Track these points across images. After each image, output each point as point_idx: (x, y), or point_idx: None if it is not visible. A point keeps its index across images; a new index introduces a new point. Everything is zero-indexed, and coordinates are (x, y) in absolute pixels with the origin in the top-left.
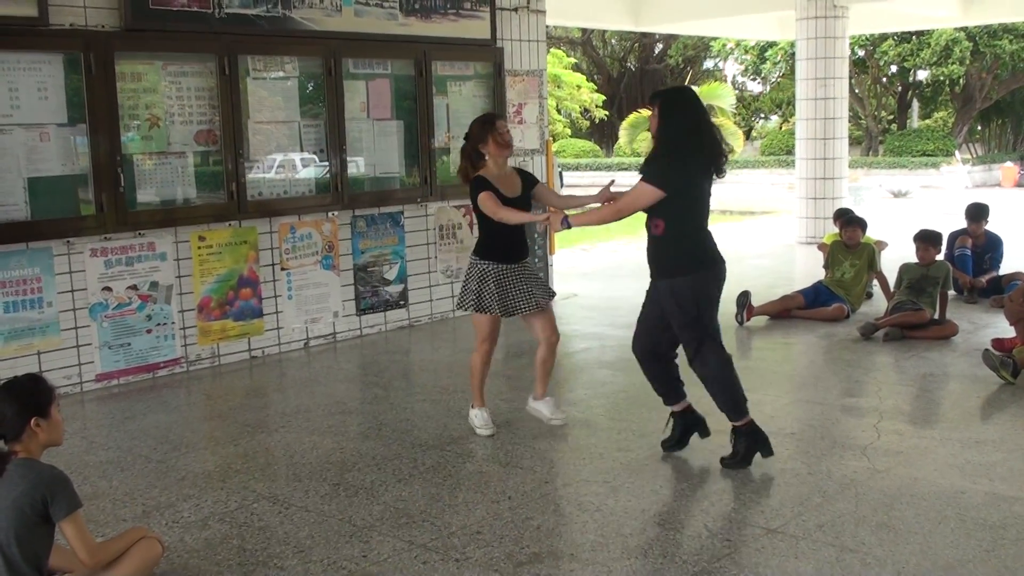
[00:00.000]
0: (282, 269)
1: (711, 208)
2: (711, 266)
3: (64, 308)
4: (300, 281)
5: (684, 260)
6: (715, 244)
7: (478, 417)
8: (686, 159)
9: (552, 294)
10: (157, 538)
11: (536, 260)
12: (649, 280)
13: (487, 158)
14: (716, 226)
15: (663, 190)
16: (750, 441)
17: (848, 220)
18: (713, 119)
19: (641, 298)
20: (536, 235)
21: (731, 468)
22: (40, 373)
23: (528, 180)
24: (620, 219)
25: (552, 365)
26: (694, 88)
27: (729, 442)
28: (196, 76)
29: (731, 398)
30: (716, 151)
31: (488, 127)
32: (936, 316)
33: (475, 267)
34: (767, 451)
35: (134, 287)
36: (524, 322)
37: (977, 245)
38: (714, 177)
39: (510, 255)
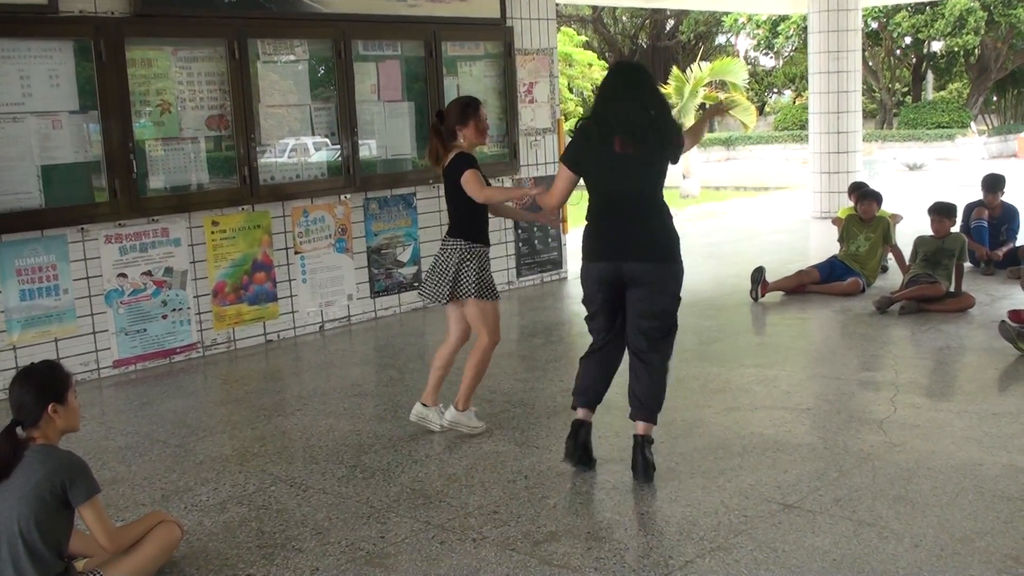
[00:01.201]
0: (296, 253)
1: (649, 196)
2: (591, 259)
3: (80, 295)
4: (314, 264)
5: (582, 245)
6: (615, 236)
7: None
8: (587, 137)
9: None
10: (176, 522)
11: (549, 240)
12: None
13: (461, 141)
14: (731, 202)
15: (571, 170)
16: (569, 433)
17: (863, 194)
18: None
19: None
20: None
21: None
22: (57, 360)
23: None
24: (556, 204)
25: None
26: (637, 62)
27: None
28: (206, 61)
29: (575, 384)
30: (640, 128)
31: (471, 111)
32: (952, 288)
33: (470, 252)
34: (571, 458)
35: (149, 273)
36: (450, 312)
37: (993, 216)
38: (652, 161)
39: (486, 237)
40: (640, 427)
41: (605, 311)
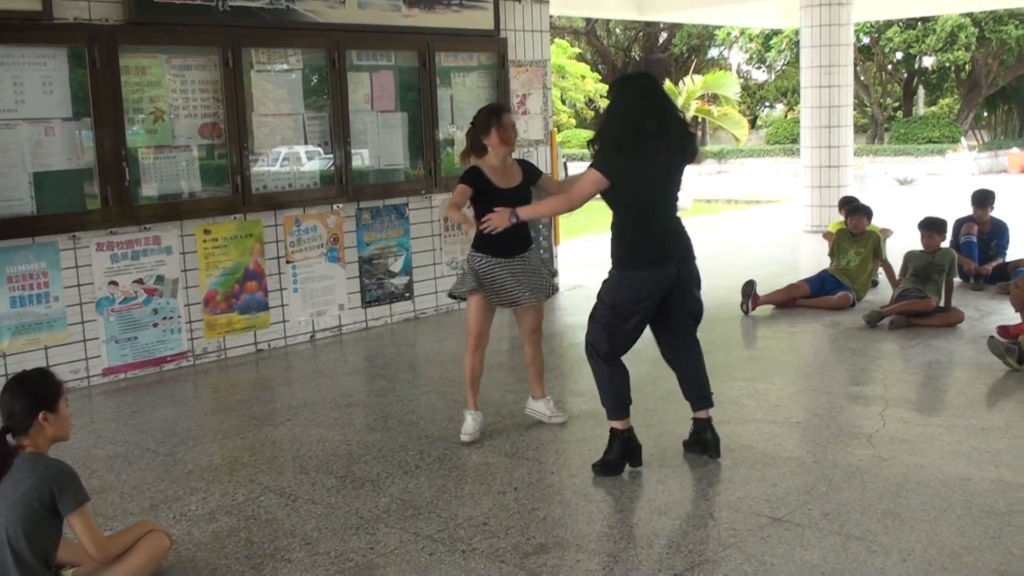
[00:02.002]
0: (287, 262)
1: (676, 200)
2: (648, 266)
3: (71, 302)
4: (305, 274)
5: (625, 255)
6: (665, 241)
7: (464, 422)
8: (630, 146)
9: (546, 294)
10: (165, 531)
11: (541, 251)
12: None
13: (488, 149)
14: (722, 215)
15: (607, 177)
16: (624, 445)
17: (853, 208)
18: (676, 105)
19: None
20: (541, 226)
21: (597, 471)
22: (48, 368)
23: (529, 171)
24: (572, 209)
25: (542, 363)
26: (652, 74)
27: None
28: (200, 69)
29: (600, 394)
30: (670, 136)
31: (493, 119)
32: (942, 303)
33: (471, 258)
34: (637, 459)
35: (140, 281)
36: (516, 317)
37: (983, 232)
38: (679, 166)
39: (504, 249)
40: (704, 412)
41: (646, 317)
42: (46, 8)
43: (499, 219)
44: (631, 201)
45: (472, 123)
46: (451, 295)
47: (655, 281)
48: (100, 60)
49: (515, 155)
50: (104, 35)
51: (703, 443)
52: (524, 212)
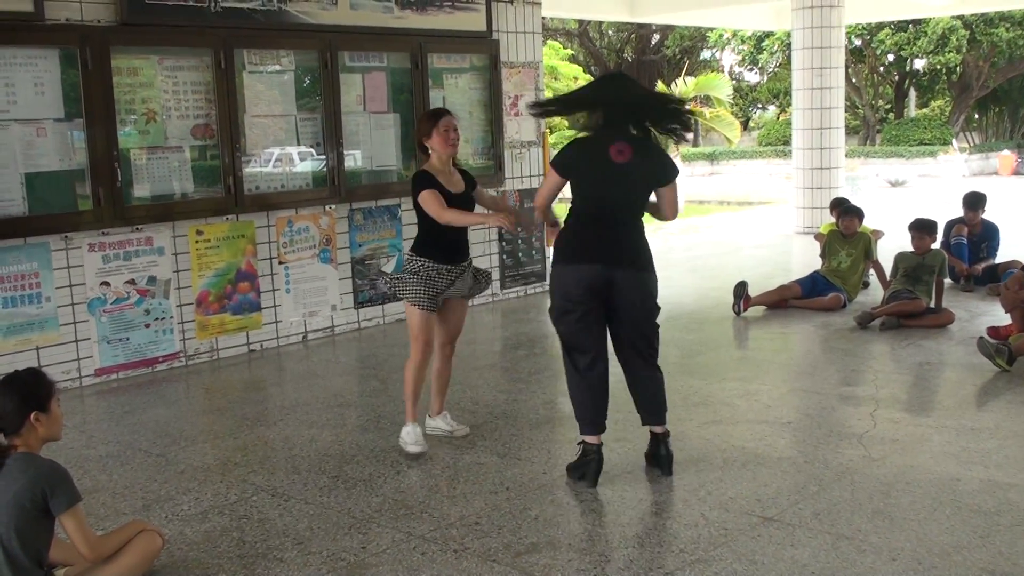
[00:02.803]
0: (280, 263)
1: (633, 209)
2: (572, 260)
3: (62, 303)
4: (298, 274)
5: (557, 249)
6: (604, 240)
7: (409, 433)
8: (579, 142)
9: (476, 291)
10: (157, 531)
11: (533, 252)
12: None
13: (431, 152)
14: (714, 216)
15: (560, 174)
16: (580, 462)
17: (845, 210)
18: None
19: None
20: (535, 232)
21: (568, 473)
22: (40, 368)
23: (469, 180)
24: (542, 205)
25: (448, 377)
26: (624, 73)
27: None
28: (192, 70)
29: (576, 410)
30: (639, 145)
31: (432, 122)
32: (932, 304)
33: (411, 262)
34: (589, 480)
35: (132, 281)
36: (437, 318)
37: (974, 233)
38: (646, 178)
39: (448, 256)
40: (658, 428)
41: (587, 320)
42: (38, 9)
43: (508, 223)
44: (580, 197)
45: (415, 127)
46: (392, 293)
47: (584, 278)
48: (92, 61)
49: (508, 155)
50: (96, 36)
51: (656, 458)
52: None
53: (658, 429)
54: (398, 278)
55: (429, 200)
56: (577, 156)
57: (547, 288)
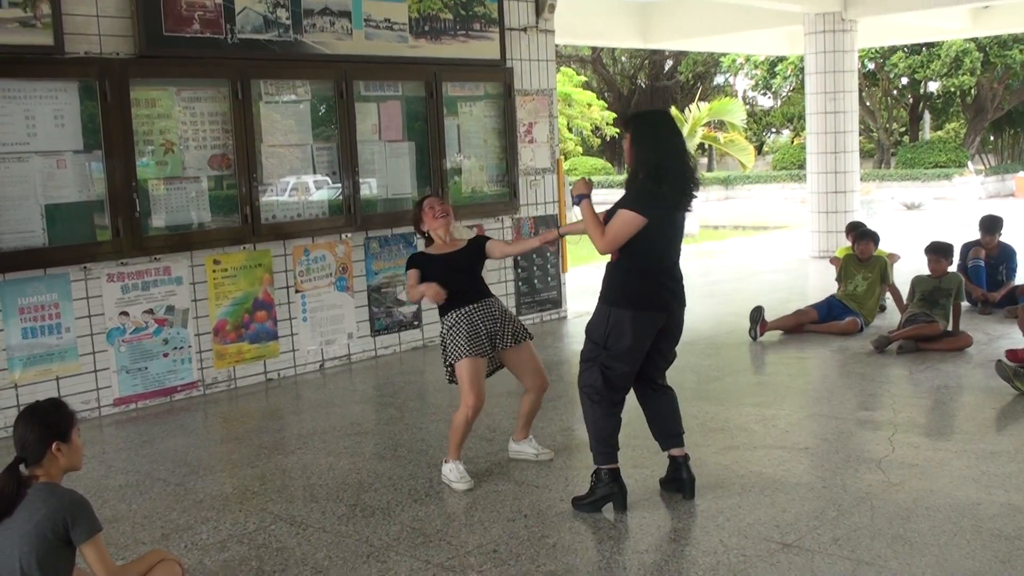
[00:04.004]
0: (296, 291)
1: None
2: (651, 308)
3: (82, 333)
4: (315, 303)
5: (628, 294)
6: (672, 288)
7: (453, 471)
8: (666, 188)
9: (529, 335)
10: (177, 560)
11: (548, 279)
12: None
13: (431, 233)
14: (729, 242)
15: (646, 217)
16: (607, 489)
17: (860, 234)
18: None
19: None
20: (548, 253)
21: (578, 509)
22: (60, 398)
23: (475, 242)
24: (606, 251)
25: (537, 409)
26: (665, 111)
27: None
28: (209, 101)
29: (594, 438)
30: (690, 183)
31: (417, 208)
32: (949, 328)
33: (443, 324)
34: (620, 505)
35: (150, 311)
36: (510, 367)
37: (990, 256)
38: (684, 213)
39: (466, 299)
40: (679, 451)
41: (639, 359)
42: (58, 43)
43: (546, 236)
44: (648, 242)
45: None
46: (450, 379)
47: (653, 324)
48: (111, 93)
49: (523, 183)
50: (115, 69)
51: (678, 482)
52: (567, 228)
53: (678, 452)
54: (445, 353)
55: (408, 280)
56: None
57: (562, 314)
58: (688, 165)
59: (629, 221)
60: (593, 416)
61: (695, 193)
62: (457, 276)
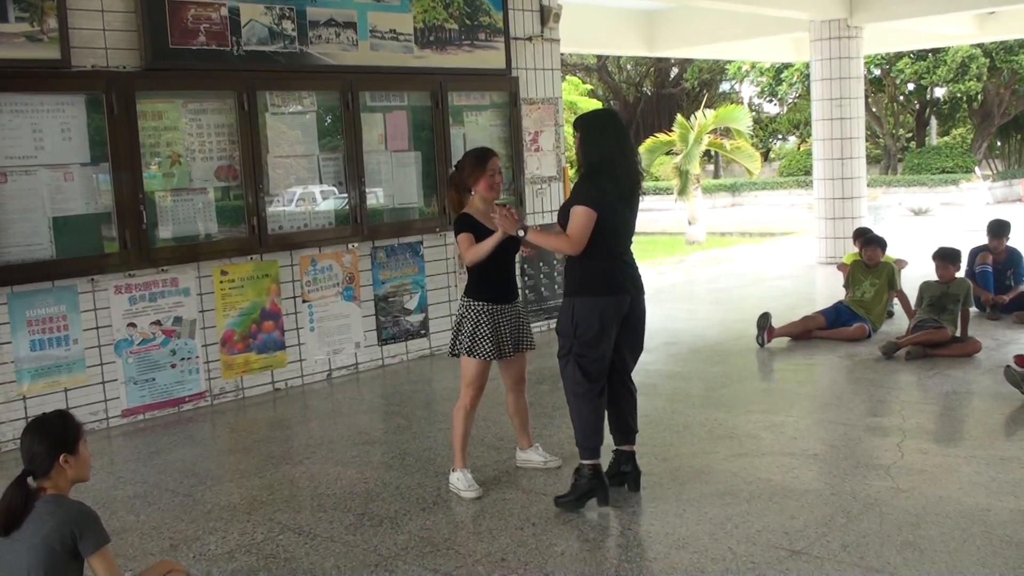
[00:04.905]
0: (303, 301)
1: (632, 235)
2: (608, 292)
3: (89, 345)
4: (322, 313)
5: (588, 281)
6: (627, 272)
7: (460, 480)
8: (606, 182)
9: (533, 345)
10: (185, 571)
11: (556, 287)
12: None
13: (474, 195)
14: (737, 248)
15: (595, 210)
16: (589, 485)
17: (867, 240)
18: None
19: (662, 322)
20: (555, 260)
21: (561, 507)
22: (68, 410)
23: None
24: (575, 251)
25: (527, 412)
26: (610, 110)
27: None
28: (216, 113)
29: (579, 432)
30: (631, 178)
31: (479, 168)
32: (958, 333)
33: (468, 309)
34: (603, 499)
35: (158, 322)
36: (500, 367)
37: (998, 261)
38: (634, 203)
39: (502, 295)
40: (628, 447)
41: (610, 347)
42: (64, 56)
43: (509, 224)
44: (598, 233)
45: (457, 168)
46: (456, 354)
47: (615, 307)
48: (118, 106)
49: (529, 191)
50: (121, 82)
51: (621, 476)
52: (532, 234)
53: (627, 448)
54: (458, 334)
55: (461, 243)
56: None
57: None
58: (630, 161)
59: (584, 216)
60: (577, 410)
61: (637, 187)
62: (506, 257)
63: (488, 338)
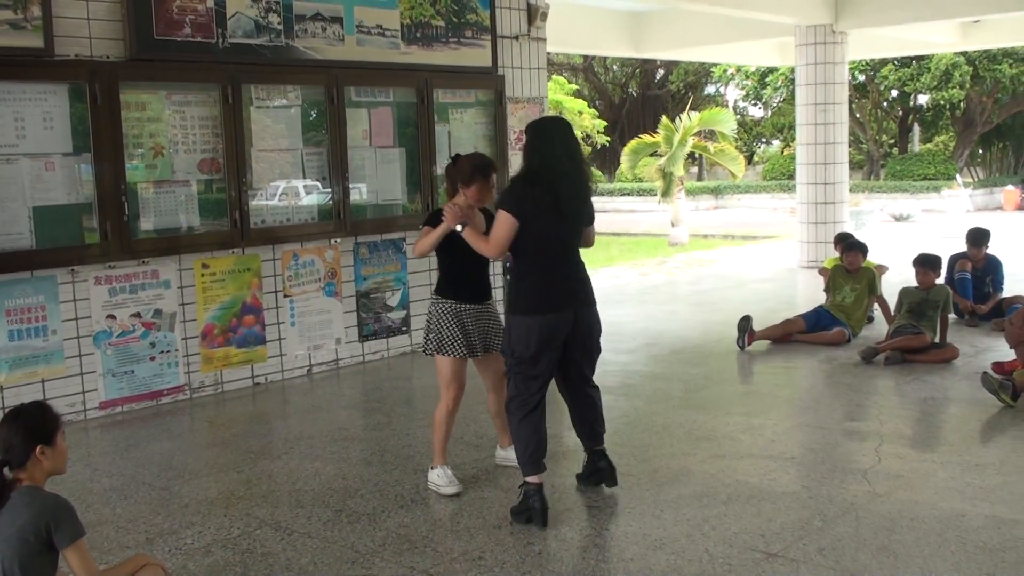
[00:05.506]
0: (285, 296)
1: (576, 246)
2: (545, 311)
3: (68, 336)
4: (303, 308)
5: (521, 300)
6: (564, 287)
7: (440, 476)
8: (538, 191)
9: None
10: (160, 565)
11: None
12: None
13: (461, 195)
14: (719, 251)
15: (517, 219)
16: (525, 505)
17: (849, 245)
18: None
19: (643, 323)
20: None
21: (512, 517)
22: (45, 401)
23: (490, 217)
24: (496, 256)
25: None
26: (562, 118)
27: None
28: (200, 105)
29: (517, 447)
30: (568, 186)
31: (479, 175)
32: (936, 340)
33: (436, 306)
34: (539, 521)
35: (138, 315)
36: (476, 367)
37: (977, 269)
38: (576, 215)
39: (469, 294)
40: (598, 445)
41: (552, 364)
42: (48, 45)
43: (451, 217)
44: (527, 242)
45: (454, 162)
46: (429, 353)
47: (552, 327)
48: (101, 96)
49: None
50: (105, 71)
51: (599, 473)
52: (468, 232)
53: (598, 447)
54: (429, 334)
55: (422, 234)
56: None
57: None
58: (573, 173)
59: (504, 221)
60: (516, 428)
61: (578, 199)
62: (473, 257)
63: (455, 336)
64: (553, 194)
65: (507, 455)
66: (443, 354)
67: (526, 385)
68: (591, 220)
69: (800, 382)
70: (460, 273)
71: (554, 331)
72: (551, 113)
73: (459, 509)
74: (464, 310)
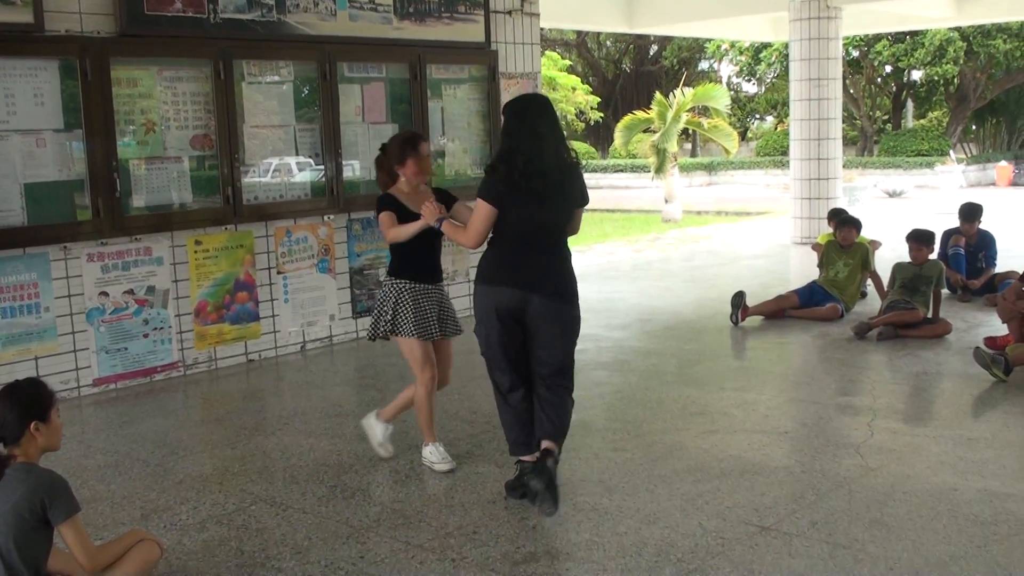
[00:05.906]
0: (278, 273)
1: (559, 235)
2: (491, 282)
3: (61, 313)
4: (296, 284)
5: (480, 268)
6: (531, 267)
7: (433, 453)
8: (513, 173)
9: (459, 331)
10: (156, 541)
11: None
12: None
13: (402, 179)
14: (712, 227)
15: (495, 206)
16: (524, 478)
17: (842, 220)
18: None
19: (637, 299)
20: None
21: (507, 492)
22: (39, 378)
23: (446, 199)
24: (474, 245)
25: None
26: (539, 95)
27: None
28: (191, 81)
29: (505, 436)
30: (549, 172)
31: (409, 148)
32: (929, 315)
33: (391, 288)
34: (532, 498)
35: (131, 291)
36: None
37: (970, 244)
38: (555, 196)
39: (424, 275)
40: (548, 444)
41: (503, 347)
42: (38, 20)
43: (429, 214)
44: (506, 223)
45: (383, 150)
46: (376, 337)
47: (496, 298)
48: (92, 72)
49: None
50: (96, 47)
51: (522, 487)
52: (447, 226)
53: (547, 444)
54: (380, 315)
55: (383, 221)
56: None
57: None
58: (549, 153)
59: (482, 209)
60: (497, 408)
61: (556, 179)
62: (428, 239)
63: (412, 315)
64: (527, 175)
65: (425, 454)
66: (413, 336)
67: (490, 365)
68: (583, 200)
69: (793, 357)
70: (415, 254)
71: (499, 306)
72: (543, 90)
73: (453, 484)
74: (420, 291)
